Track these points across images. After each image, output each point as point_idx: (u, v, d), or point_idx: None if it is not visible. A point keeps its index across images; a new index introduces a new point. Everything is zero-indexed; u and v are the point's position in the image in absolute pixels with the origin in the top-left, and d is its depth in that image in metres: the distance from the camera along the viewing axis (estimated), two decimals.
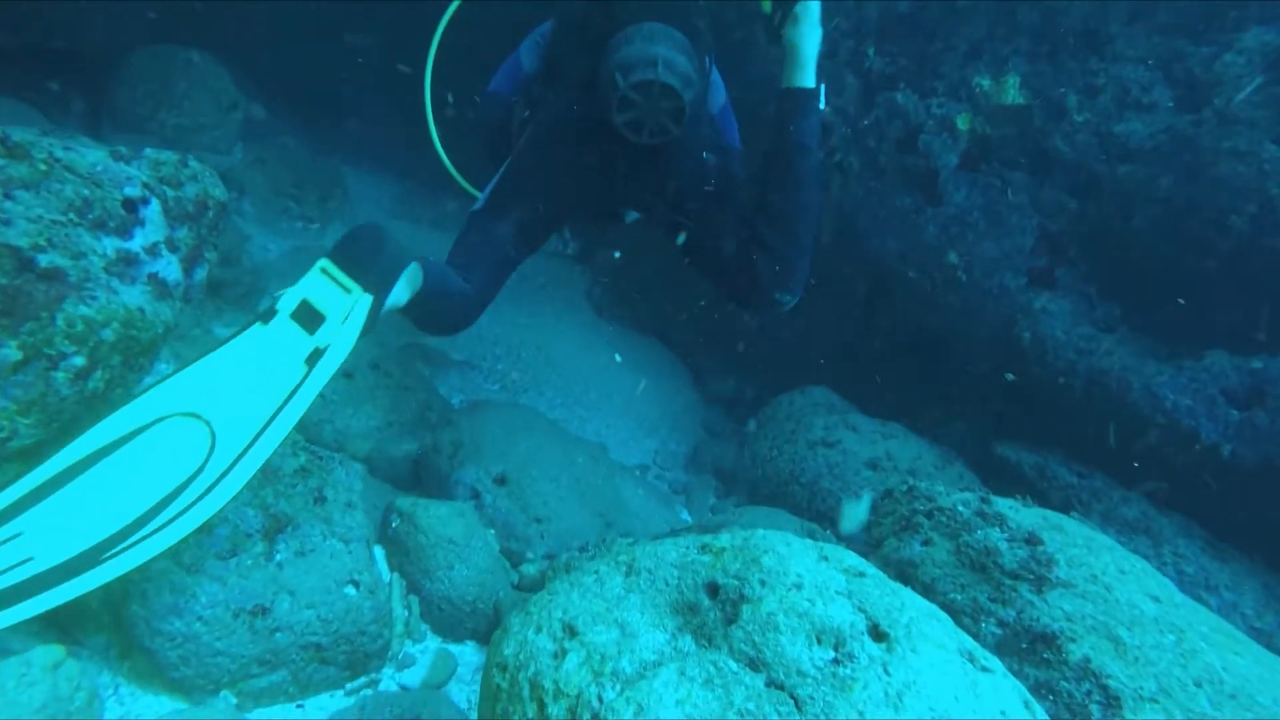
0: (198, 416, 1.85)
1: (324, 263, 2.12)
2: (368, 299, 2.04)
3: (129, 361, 1.94)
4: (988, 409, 3.76)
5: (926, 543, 1.95)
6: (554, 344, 5.29)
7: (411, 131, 3.65)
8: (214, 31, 5.47)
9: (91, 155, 1.99)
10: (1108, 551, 1.88)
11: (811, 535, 2.75)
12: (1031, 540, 1.85)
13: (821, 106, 2.51)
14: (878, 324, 4.12)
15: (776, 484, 3.43)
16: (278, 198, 5.45)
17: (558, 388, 4.97)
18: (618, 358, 5.50)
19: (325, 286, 2.09)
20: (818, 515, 3.20)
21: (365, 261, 2.10)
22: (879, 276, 3.84)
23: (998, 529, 1.89)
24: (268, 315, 2.02)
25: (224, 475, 1.78)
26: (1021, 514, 1.99)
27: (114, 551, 1.68)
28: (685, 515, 3.77)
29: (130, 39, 4.96)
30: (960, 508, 1.98)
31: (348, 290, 2.06)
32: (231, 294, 4.16)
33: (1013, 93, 3.25)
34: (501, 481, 3.03)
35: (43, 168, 1.83)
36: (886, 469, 3.30)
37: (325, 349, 2.00)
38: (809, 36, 2.44)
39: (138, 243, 1.96)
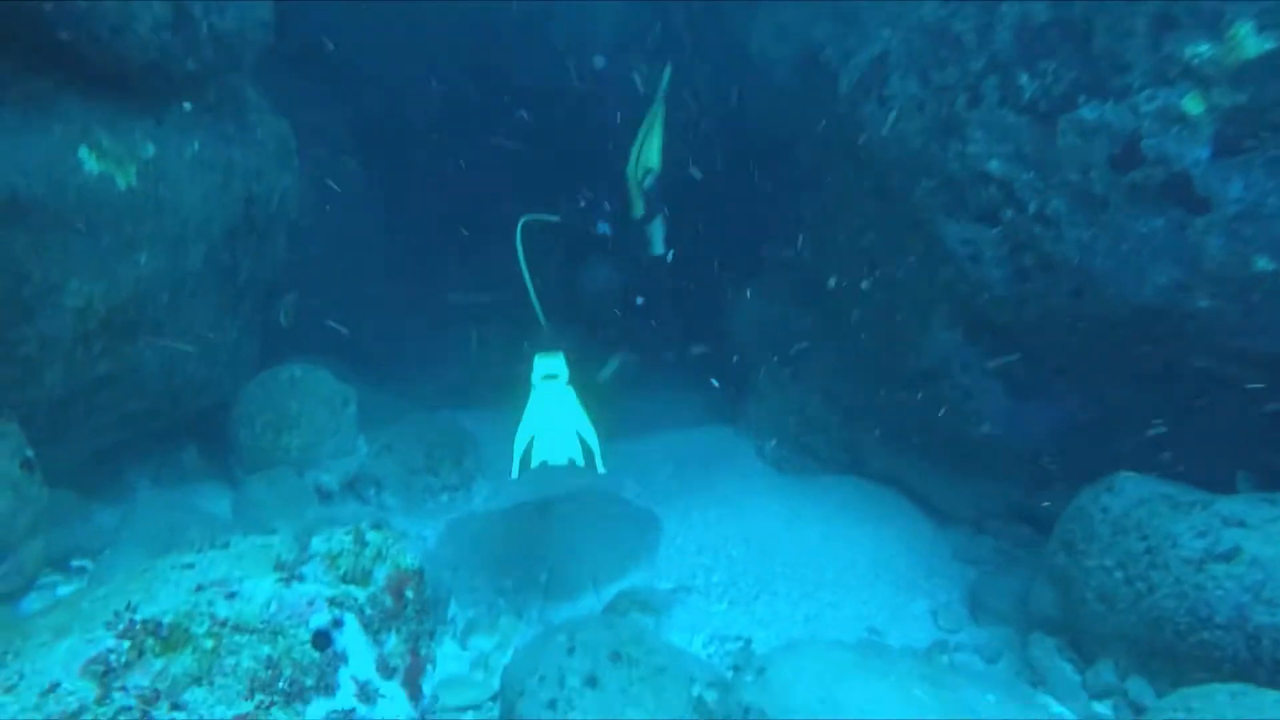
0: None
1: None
2: None
3: None
4: None
5: None
6: (757, 528, 4.53)
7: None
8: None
9: (260, 591, 1.46)
10: None
11: None
12: None
13: None
14: (1158, 373, 3.26)
15: (1174, 634, 2.51)
16: (414, 477, 5.02)
17: (789, 579, 4.17)
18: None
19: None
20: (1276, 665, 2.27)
21: None
22: (1147, 321, 3.03)
23: None
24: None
25: None
26: None
27: None
28: (1060, 710, 2.81)
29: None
30: None
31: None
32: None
33: (1252, 42, 2.53)
34: None
35: (209, 644, 1.31)
36: None
37: None
38: None
39: (347, 692, 1.39)
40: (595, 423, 3.29)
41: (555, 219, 3.84)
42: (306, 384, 4.85)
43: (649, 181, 3.73)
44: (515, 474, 3.10)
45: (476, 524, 4.74)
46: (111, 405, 3.39)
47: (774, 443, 5.50)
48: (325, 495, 4.79)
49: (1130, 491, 3.06)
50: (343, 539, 1.74)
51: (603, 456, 3.23)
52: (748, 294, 5.99)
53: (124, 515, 3.74)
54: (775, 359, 5.69)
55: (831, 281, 4.37)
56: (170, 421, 3.94)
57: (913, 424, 4.40)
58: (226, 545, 1.81)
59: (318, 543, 1.72)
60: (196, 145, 3.36)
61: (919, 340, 3.99)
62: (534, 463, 3.14)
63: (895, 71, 3.47)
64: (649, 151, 3.73)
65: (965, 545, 4.45)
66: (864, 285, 4.12)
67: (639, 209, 3.81)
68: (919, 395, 4.18)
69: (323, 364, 5.53)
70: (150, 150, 3.13)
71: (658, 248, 3.92)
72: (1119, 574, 2.77)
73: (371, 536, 1.76)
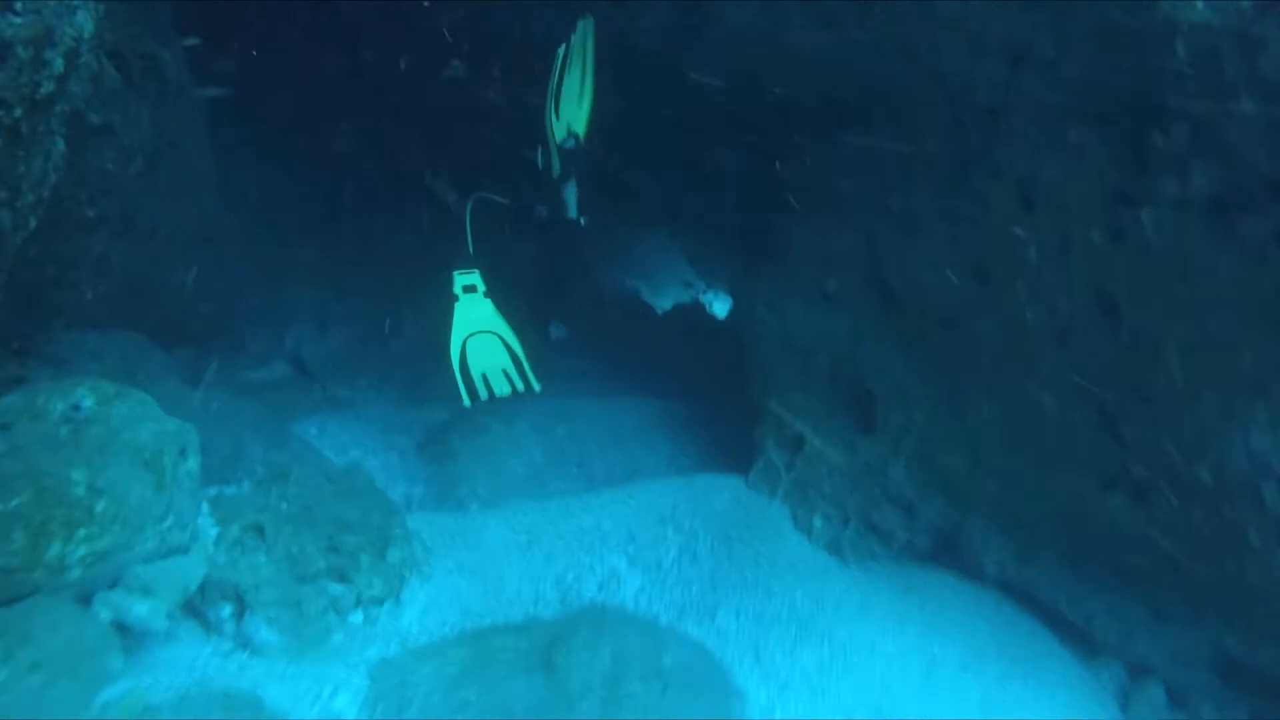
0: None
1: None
2: None
3: None
4: None
5: None
6: (883, 688, 2.92)
7: None
8: None
9: None
10: None
11: None
12: None
13: None
14: None
15: None
16: (307, 586, 2.86)
17: None
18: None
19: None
20: None
21: None
22: None
23: None
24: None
25: None
26: None
27: None
28: None
29: None
30: None
31: None
32: None
33: None
34: None
35: None
36: None
37: None
38: None
39: None
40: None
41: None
42: (105, 427, 2.54)
43: (570, 143, 3.51)
44: (466, 402, 3.35)
45: (428, 680, 2.72)
46: None
47: (824, 517, 3.89)
48: (139, 637, 2.52)
49: None
50: None
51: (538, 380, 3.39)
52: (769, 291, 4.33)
53: None
54: (825, 392, 4.05)
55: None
56: None
57: (1109, 535, 2.96)
58: None
59: None
60: None
61: (1207, 437, 2.49)
62: (473, 373, 3.34)
63: None
64: (574, 109, 3.48)
65: (1129, 693, 3.16)
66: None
67: (556, 169, 3.57)
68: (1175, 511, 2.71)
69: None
70: None
71: (572, 211, 3.68)
72: None
73: None
